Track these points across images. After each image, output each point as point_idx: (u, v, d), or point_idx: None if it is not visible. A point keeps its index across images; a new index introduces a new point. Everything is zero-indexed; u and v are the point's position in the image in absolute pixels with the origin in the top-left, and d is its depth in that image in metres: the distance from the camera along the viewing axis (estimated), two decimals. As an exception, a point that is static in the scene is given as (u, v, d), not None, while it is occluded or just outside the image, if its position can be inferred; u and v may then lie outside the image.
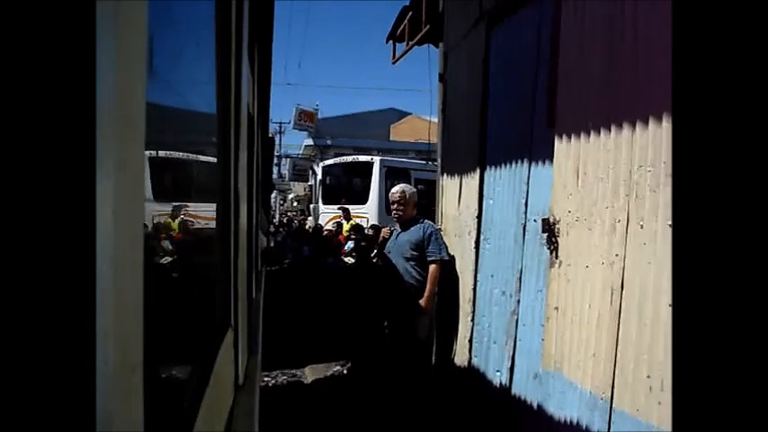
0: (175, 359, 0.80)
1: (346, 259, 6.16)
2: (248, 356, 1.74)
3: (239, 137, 1.32)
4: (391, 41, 5.23)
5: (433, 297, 3.82)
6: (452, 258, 3.92)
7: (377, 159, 10.93)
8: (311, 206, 13.96)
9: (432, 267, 3.78)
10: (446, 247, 3.88)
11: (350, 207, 10.09)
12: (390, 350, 4.06)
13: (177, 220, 0.84)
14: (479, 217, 3.52)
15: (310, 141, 23.45)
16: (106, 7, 0.31)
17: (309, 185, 20.16)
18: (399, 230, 4.03)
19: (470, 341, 3.61)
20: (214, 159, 1.13)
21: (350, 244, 6.51)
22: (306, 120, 23.16)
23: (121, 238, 0.35)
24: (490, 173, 3.41)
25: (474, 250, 3.55)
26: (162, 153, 0.68)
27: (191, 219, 0.96)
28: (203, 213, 1.10)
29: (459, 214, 3.89)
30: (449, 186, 4.21)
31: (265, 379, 4.58)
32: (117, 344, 0.34)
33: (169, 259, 0.81)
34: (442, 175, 4.37)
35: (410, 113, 29.94)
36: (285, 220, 17.68)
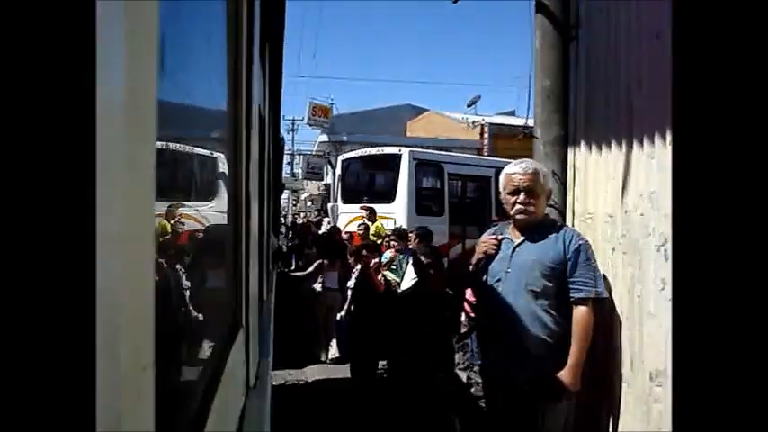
0: (187, 359, 0.81)
1: (386, 274, 4.61)
2: (259, 357, 1.70)
3: (250, 139, 1.32)
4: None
5: (582, 366, 2.14)
6: (609, 292, 2.31)
7: (406, 151, 9.52)
8: (329, 206, 12.61)
9: (581, 311, 2.11)
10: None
11: (374, 206, 8.73)
12: None
13: (188, 221, 0.80)
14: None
15: (325, 138, 22.16)
16: (117, 6, 0.32)
17: (324, 184, 18.89)
18: (516, 241, 2.28)
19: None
20: (225, 161, 1.11)
21: (386, 254, 5.00)
22: (320, 114, 21.84)
23: (133, 237, 0.35)
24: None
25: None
26: (171, 154, 0.66)
27: (202, 220, 0.94)
28: (215, 214, 1.08)
29: (626, 212, 2.30)
30: (592, 166, 2.62)
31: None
32: (129, 343, 0.34)
33: (181, 259, 0.79)
34: (574, 146, 2.77)
35: (427, 109, 28.59)
36: (299, 222, 16.50)
